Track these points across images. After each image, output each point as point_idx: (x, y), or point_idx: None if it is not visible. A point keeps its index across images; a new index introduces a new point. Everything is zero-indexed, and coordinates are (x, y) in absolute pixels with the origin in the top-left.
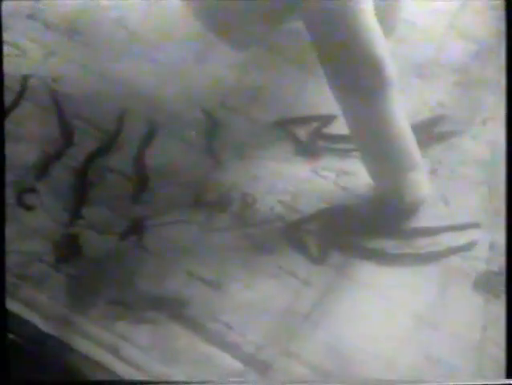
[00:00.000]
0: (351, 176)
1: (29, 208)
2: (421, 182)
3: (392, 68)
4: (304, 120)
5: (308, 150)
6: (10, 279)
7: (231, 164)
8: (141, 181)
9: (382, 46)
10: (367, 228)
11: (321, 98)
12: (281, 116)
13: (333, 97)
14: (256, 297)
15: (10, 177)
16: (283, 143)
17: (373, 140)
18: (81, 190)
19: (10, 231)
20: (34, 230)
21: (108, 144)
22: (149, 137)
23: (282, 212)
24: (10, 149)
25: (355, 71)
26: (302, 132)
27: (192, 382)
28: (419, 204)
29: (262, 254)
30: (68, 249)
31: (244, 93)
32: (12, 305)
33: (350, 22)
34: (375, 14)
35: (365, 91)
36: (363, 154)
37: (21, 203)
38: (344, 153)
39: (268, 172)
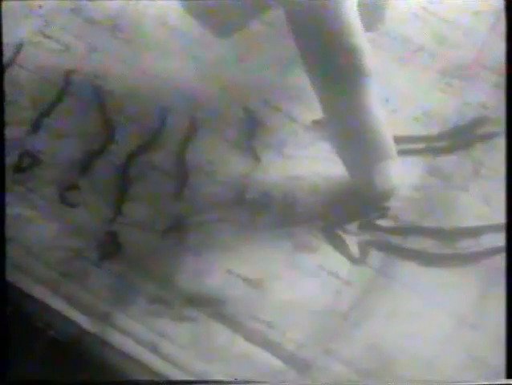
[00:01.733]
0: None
1: (71, 205)
2: (393, 172)
3: (369, 59)
4: None
5: None
6: (52, 276)
7: (272, 163)
8: (182, 179)
9: (360, 36)
10: (408, 228)
11: None
12: (321, 116)
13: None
14: (297, 297)
15: (52, 174)
16: (324, 143)
17: (348, 129)
18: (123, 187)
19: (52, 228)
20: (76, 227)
21: (150, 141)
22: (190, 135)
23: (322, 211)
24: (52, 146)
25: (332, 61)
26: None
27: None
28: (390, 193)
29: (302, 253)
30: (110, 246)
31: (286, 92)
32: (54, 303)
33: (329, 11)
34: (360, 7)
35: (342, 80)
36: (338, 142)
37: (63, 200)
38: None
39: (309, 172)
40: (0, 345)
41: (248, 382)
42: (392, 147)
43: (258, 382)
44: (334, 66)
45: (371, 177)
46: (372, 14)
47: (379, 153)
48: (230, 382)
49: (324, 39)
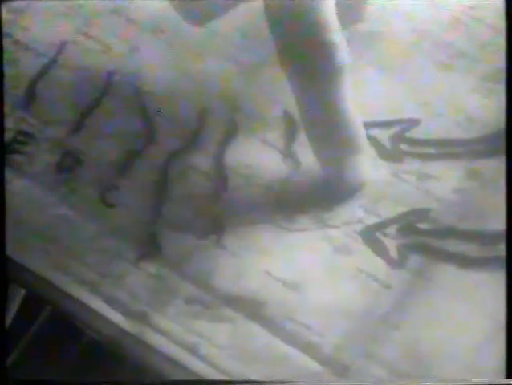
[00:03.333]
0: (434, 179)
1: (111, 205)
2: (365, 166)
3: (343, 54)
4: (386, 124)
5: (390, 154)
6: (91, 276)
7: (311, 166)
8: (221, 181)
9: (335, 31)
10: (447, 231)
11: (404, 102)
12: (362, 120)
13: (287, 79)
14: (335, 299)
15: (92, 175)
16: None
17: (320, 123)
18: (162, 188)
19: (92, 228)
20: (115, 228)
21: (189, 142)
22: (230, 137)
23: (362, 214)
24: (93, 146)
25: (306, 55)
26: (384, 136)
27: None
28: (360, 186)
29: (341, 256)
30: (148, 247)
31: None
32: (93, 303)
33: (307, 6)
34: (339, 4)
35: (316, 75)
36: (310, 135)
37: (103, 200)
38: (427, 157)
39: None
40: (0, 345)
41: (248, 382)
42: (364, 142)
43: (259, 382)
44: (309, 60)
45: (341, 170)
46: (351, 12)
47: (350, 147)
48: (230, 382)
49: (300, 33)
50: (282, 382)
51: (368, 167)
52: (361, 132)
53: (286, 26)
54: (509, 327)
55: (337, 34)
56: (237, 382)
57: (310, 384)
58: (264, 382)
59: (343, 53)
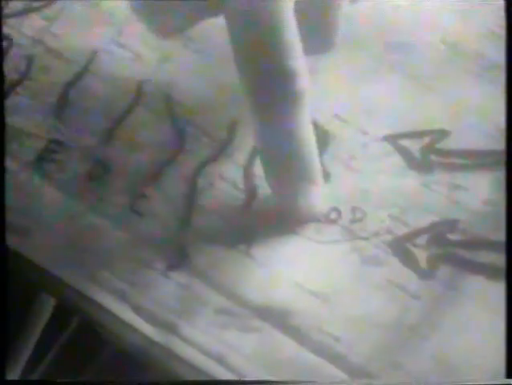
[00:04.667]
0: (464, 190)
1: (140, 215)
2: (318, 195)
3: (304, 81)
4: (417, 135)
5: (420, 164)
6: (119, 285)
7: (341, 177)
8: (251, 191)
9: (297, 58)
10: (477, 242)
11: (435, 112)
12: (393, 130)
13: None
14: (364, 310)
15: (121, 183)
16: (395, 157)
17: (276, 150)
18: (191, 197)
19: (121, 237)
20: (145, 237)
21: (219, 152)
22: None
23: (391, 225)
24: (123, 155)
25: (266, 81)
26: (414, 147)
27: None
28: (313, 215)
29: (370, 267)
30: (178, 257)
31: (356, 105)
32: (121, 312)
33: (269, 33)
34: (311, 28)
35: (274, 101)
36: (264, 161)
37: (133, 209)
38: (457, 168)
39: (378, 186)
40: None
41: (248, 382)
42: (318, 173)
43: (259, 382)
44: (268, 86)
45: (294, 198)
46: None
47: (304, 176)
48: (230, 382)
49: (260, 58)
50: (285, 382)
51: (321, 196)
52: (315, 161)
53: (247, 49)
54: (509, 327)
55: (298, 60)
56: (240, 382)
57: (310, 384)
58: (268, 382)
59: (303, 80)
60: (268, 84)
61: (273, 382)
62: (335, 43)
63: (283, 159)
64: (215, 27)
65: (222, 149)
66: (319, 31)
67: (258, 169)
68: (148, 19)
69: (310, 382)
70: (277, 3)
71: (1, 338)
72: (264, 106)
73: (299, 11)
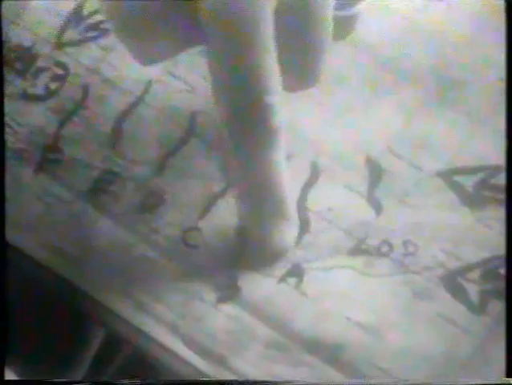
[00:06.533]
0: None
1: (192, 246)
2: (290, 232)
3: (280, 117)
4: (470, 170)
5: (473, 200)
6: (170, 317)
7: (393, 211)
8: (303, 224)
9: (274, 94)
10: None
11: (488, 148)
12: (447, 165)
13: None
14: (414, 344)
15: (174, 215)
16: (448, 192)
17: (249, 185)
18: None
19: (173, 269)
20: (196, 269)
21: None
22: (312, 180)
23: (443, 259)
24: (175, 186)
25: (241, 115)
26: (467, 182)
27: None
28: (284, 252)
29: (421, 301)
30: (228, 289)
31: (410, 140)
32: (171, 344)
33: (247, 66)
34: (291, 64)
35: (250, 136)
36: (238, 195)
37: (185, 241)
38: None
39: (431, 220)
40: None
41: (248, 382)
42: (290, 209)
43: (258, 382)
44: (245, 121)
45: (265, 234)
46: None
47: (279, 212)
48: (230, 382)
49: (238, 94)
50: (283, 382)
51: (292, 233)
52: (288, 198)
53: (224, 81)
54: (509, 327)
55: (275, 96)
56: (241, 382)
57: (310, 384)
58: (266, 382)
59: (279, 116)
60: (243, 118)
61: (273, 382)
62: (318, 80)
63: (255, 193)
64: None
65: None
66: (300, 67)
67: (311, 203)
68: (129, 45)
69: (311, 382)
70: (257, 38)
71: (1, 337)
72: (238, 139)
73: (280, 46)
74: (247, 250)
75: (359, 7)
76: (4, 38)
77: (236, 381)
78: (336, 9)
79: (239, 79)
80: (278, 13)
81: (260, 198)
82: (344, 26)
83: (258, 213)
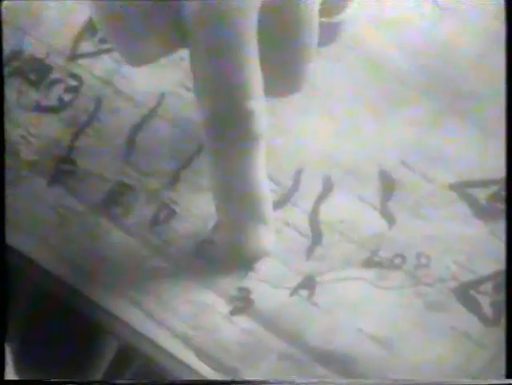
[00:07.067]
0: None
1: (205, 259)
2: (267, 237)
3: (261, 123)
4: (483, 183)
5: (487, 212)
6: (183, 329)
7: (406, 223)
8: (316, 237)
9: (256, 99)
10: None
11: (501, 161)
12: (460, 178)
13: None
14: (427, 357)
15: (187, 227)
16: (461, 205)
17: (229, 189)
18: None
19: (186, 281)
20: (209, 281)
21: (284, 198)
22: (325, 193)
23: (456, 272)
24: (188, 199)
25: (222, 119)
26: (481, 195)
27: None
28: (261, 256)
29: (434, 313)
30: (241, 302)
31: (424, 152)
32: (184, 356)
33: (230, 72)
34: (274, 69)
35: (231, 142)
36: (217, 199)
37: (198, 254)
38: None
39: (444, 233)
40: None
41: (248, 382)
42: (268, 214)
43: (257, 382)
44: (227, 126)
45: (242, 238)
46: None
47: (257, 217)
48: (230, 383)
49: (220, 98)
50: (282, 382)
51: (270, 238)
52: (267, 203)
53: (207, 83)
54: (508, 327)
55: (257, 102)
56: (238, 382)
57: (310, 384)
58: (264, 381)
59: (261, 122)
60: (224, 122)
61: (273, 382)
62: (302, 86)
63: (235, 198)
64: None
65: (287, 195)
66: (284, 73)
67: (324, 216)
68: (118, 46)
69: (310, 382)
70: (240, 42)
71: (1, 336)
72: (218, 143)
73: (264, 50)
74: (225, 253)
75: (345, 15)
76: (18, 48)
77: (235, 381)
78: (322, 15)
79: (221, 84)
80: (262, 17)
81: (239, 203)
82: (330, 33)
83: (237, 217)
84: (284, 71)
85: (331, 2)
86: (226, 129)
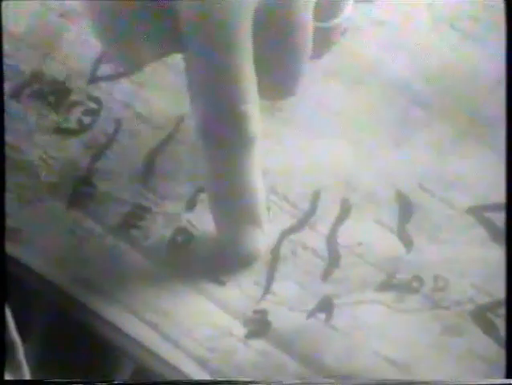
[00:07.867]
0: None
1: (222, 282)
2: (261, 239)
3: (255, 126)
4: (501, 207)
5: (503, 236)
6: (199, 351)
7: (424, 247)
8: (333, 259)
9: (251, 102)
10: None
11: None
12: (477, 202)
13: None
14: (445, 380)
15: (204, 251)
16: (479, 229)
17: (224, 191)
18: (273, 265)
19: (202, 304)
20: (225, 304)
21: (302, 221)
22: (343, 216)
23: (474, 295)
24: (205, 222)
25: (217, 122)
26: (498, 219)
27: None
28: (254, 258)
29: (451, 336)
30: (258, 324)
31: (442, 176)
32: (200, 378)
33: (224, 76)
34: (269, 73)
35: (226, 144)
36: (211, 202)
37: (215, 277)
38: None
39: (461, 256)
40: None
41: (248, 382)
42: (263, 216)
43: (256, 382)
44: (221, 129)
45: (237, 239)
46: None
47: (249, 218)
48: (231, 383)
49: (214, 101)
50: (281, 382)
51: (264, 240)
52: (261, 206)
53: (201, 86)
54: (508, 327)
55: (251, 105)
56: (239, 382)
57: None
58: (264, 382)
59: (255, 125)
60: (218, 125)
61: (272, 382)
62: (295, 90)
63: (230, 200)
64: (302, 97)
65: (305, 218)
66: (278, 76)
67: (341, 239)
68: (116, 53)
69: (311, 382)
70: (235, 45)
71: (1, 338)
72: (212, 146)
73: (258, 53)
74: (220, 256)
75: (339, 20)
76: (38, 70)
77: (234, 381)
78: (317, 20)
79: (216, 87)
80: (257, 21)
81: (232, 205)
82: (325, 38)
83: (230, 220)
84: (278, 75)
85: (326, 5)
86: (221, 132)
